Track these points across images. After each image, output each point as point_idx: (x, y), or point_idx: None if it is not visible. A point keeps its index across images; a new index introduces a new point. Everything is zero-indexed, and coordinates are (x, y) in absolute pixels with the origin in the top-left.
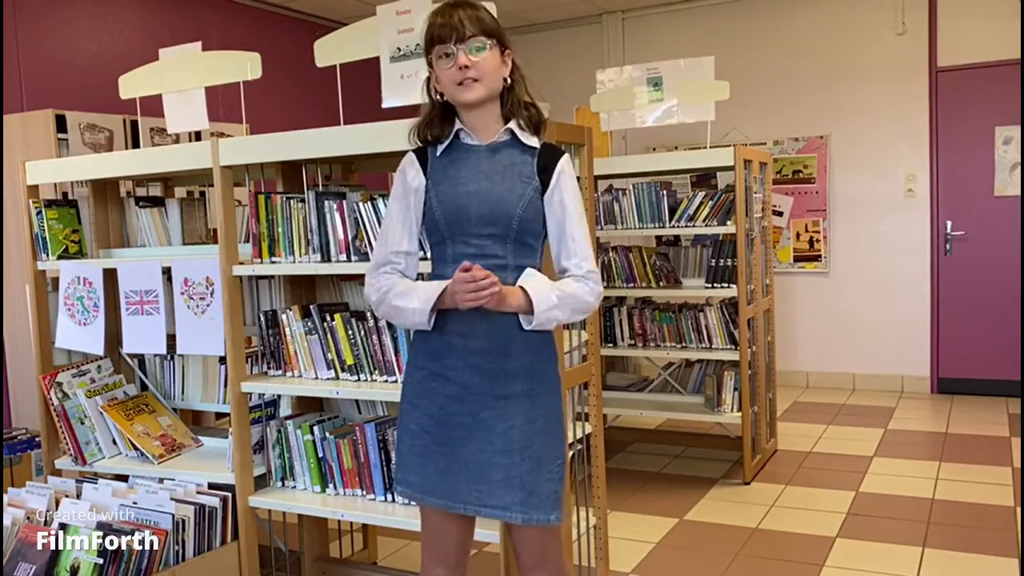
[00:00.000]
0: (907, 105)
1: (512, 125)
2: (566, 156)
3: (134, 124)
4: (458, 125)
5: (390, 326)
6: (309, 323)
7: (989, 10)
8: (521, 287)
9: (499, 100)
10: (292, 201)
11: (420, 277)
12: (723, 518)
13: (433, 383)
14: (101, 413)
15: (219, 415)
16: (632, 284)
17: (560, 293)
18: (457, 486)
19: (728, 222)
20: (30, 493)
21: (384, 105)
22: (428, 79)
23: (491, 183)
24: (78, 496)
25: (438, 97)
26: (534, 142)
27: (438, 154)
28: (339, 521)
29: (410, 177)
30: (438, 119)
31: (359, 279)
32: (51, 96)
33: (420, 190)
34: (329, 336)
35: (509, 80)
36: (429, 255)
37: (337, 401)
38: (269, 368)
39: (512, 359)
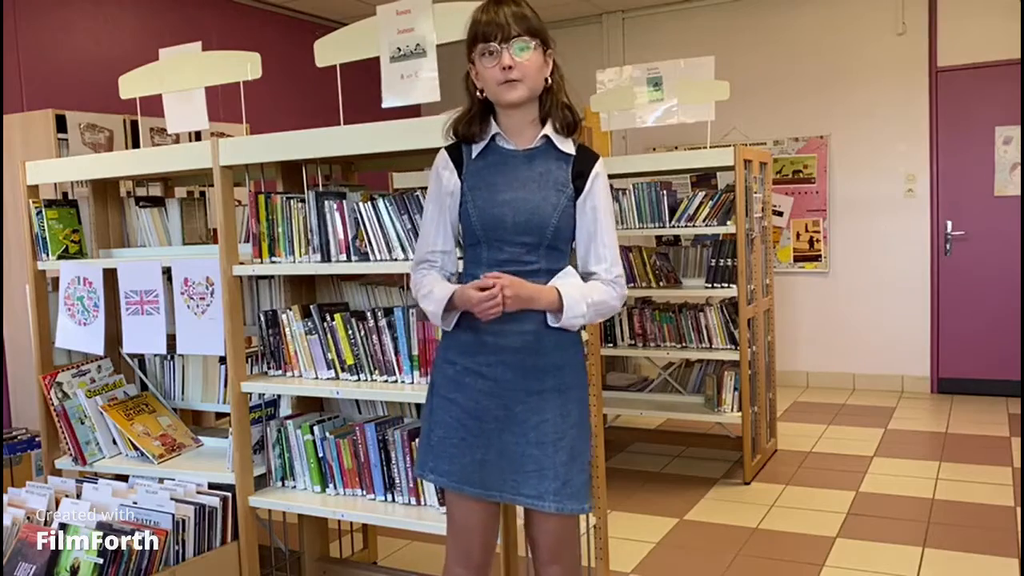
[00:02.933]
0: (907, 105)
1: (548, 130)
2: (601, 160)
3: (134, 124)
4: (495, 128)
5: (390, 326)
6: (309, 323)
7: (989, 10)
8: (556, 288)
9: (538, 101)
10: (292, 201)
11: (455, 274)
12: (723, 518)
13: (467, 378)
14: (101, 413)
15: (219, 415)
16: (632, 284)
17: (590, 301)
18: (492, 475)
19: (728, 222)
20: (30, 493)
21: (384, 105)
22: (468, 74)
23: (527, 192)
24: (78, 496)
25: (479, 94)
26: (569, 147)
27: (474, 156)
28: (339, 521)
29: (445, 179)
30: (477, 116)
31: (359, 279)
32: (51, 96)
33: (455, 192)
34: (329, 336)
35: (549, 81)
36: (462, 254)
37: (337, 401)
38: (269, 368)
39: (542, 356)
